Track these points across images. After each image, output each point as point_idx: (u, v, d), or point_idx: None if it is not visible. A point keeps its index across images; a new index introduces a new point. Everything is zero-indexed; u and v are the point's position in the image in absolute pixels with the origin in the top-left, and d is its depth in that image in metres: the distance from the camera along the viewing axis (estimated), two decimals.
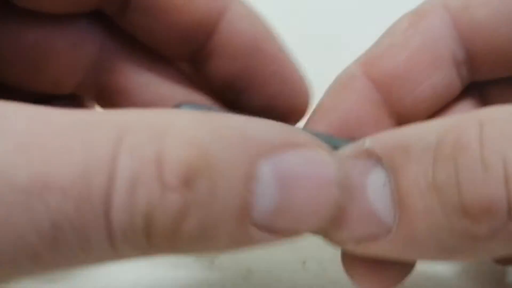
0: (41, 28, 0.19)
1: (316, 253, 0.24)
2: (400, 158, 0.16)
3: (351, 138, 0.18)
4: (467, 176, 0.14)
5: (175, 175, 0.13)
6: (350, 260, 0.18)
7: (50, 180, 0.12)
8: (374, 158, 0.16)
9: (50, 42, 0.20)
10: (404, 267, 0.18)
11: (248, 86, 0.20)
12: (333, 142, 0.17)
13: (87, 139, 0.13)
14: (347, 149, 0.17)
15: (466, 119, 0.15)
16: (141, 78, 0.21)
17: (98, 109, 0.22)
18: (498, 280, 0.21)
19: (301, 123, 0.21)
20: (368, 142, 0.16)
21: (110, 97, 0.21)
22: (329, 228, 0.16)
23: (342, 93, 0.20)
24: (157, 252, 0.14)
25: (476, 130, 0.14)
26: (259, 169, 0.14)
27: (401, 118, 0.20)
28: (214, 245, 0.15)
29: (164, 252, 0.14)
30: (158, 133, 0.14)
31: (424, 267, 0.22)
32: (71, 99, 0.21)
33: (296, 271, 0.22)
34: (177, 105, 0.19)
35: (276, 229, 0.15)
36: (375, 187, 0.16)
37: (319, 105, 0.21)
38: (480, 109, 0.16)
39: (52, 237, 0.13)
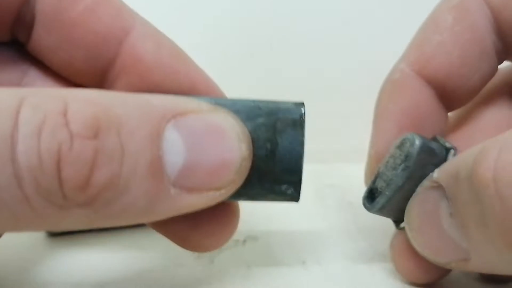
0: None
1: (316, 253, 0.24)
2: (453, 187, 0.17)
3: None
4: (490, 212, 0.15)
5: (81, 124, 0.14)
6: (398, 255, 0.21)
7: None
8: (440, 189, 0.18)
9: None
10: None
11: None
12: (237, 105, 0.19)
13: None
14: (424, 182, 0.19)
15: (489, 146, 0.16)
16: None
17: None
18: None
19: None
20: (435, 173, 0.18)
21: None
22: (428, 257, 0.19)
23: (401, 93, 0.22)
24: (75, 212, 0.15)
25: (493, 161, 0.15)
26: (166, 130, 0.16)
27: (452, 107, 0.22)
28: (131, 201, 0.15)
29: (83, 212, 0.15)
30: (60, 95, 0.15)
31: None
32: None
33: (296, 271, 0.22)
34: None
35: (190, 185, 0.16)
36: (446, 219, 0.17)
37: (382, 107, 0.22)
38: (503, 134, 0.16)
39: None
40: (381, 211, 0.20)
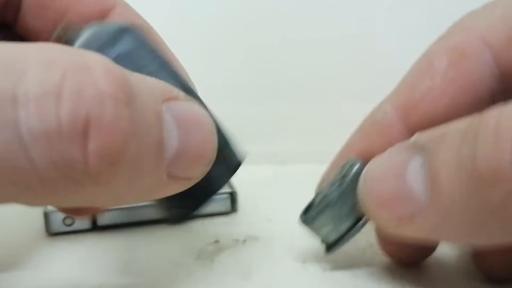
0: None
1: (316, 253, 0.24)
2: (437, 142, 0.17)
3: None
4: (481, 143, 0.15)
5: (114, 84, 0.12)
6: (383, 236, 0.22)
7: None
8: (417, 147, 0.18)
9: None
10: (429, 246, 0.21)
11: None
12: None
13: None
14: (399, 144, 0.19)
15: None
16: None
17: None
18: None
19: None
20: (415, 136, 0.18)
21: None
22: (374, 210, 0.18)
23: (377, 137, 0.21)
24: (88, 189, 0.13)
25: (498, 109, 0.15)
26: (163, 112, 0.15)
27: None
28: (141, 182, 0.15)
29: (96, 191, 0.13)
30: (73, 49, 0.13)
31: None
32: None
33: (296, 271, 0.22)
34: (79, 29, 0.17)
35: (175, 172, 0.16)
36: (413, 169, 0.17)
37: (352, 142, 0.22)
38: None
39: None
40: (312, 225, 0.21)
